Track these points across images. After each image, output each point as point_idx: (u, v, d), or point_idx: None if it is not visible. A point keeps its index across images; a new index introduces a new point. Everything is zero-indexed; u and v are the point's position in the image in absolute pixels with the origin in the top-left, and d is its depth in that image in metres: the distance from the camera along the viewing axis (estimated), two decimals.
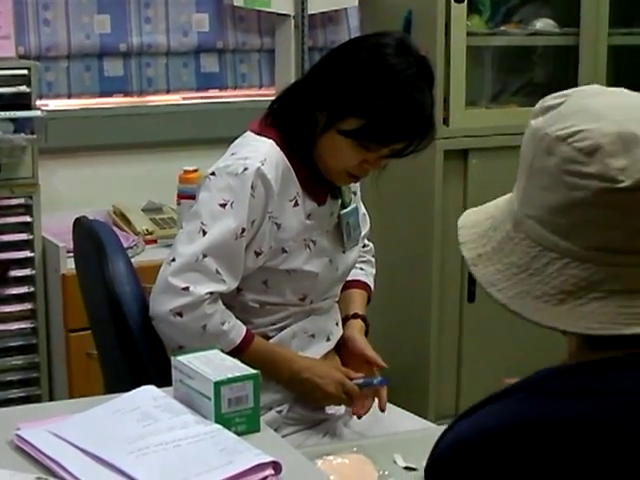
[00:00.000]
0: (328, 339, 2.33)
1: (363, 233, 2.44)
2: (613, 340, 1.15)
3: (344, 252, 2.33)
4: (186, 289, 2.10)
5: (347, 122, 2.11)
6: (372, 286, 2.53)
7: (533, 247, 1.20)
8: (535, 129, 1.22)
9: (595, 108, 1.19)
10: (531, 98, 3.98)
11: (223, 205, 2.11)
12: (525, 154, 1.25)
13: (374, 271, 2.56)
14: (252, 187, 2.11)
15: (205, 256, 2.10)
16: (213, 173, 2.15)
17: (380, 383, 2.26)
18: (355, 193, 2.40)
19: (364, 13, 3.94)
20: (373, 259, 2.56)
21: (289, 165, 2.18)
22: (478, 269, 1.27)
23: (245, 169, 2.11)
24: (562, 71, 4.01)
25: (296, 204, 2.20)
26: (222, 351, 1.95)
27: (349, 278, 2.44)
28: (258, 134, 2.21)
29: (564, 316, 1.16)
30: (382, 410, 2.26)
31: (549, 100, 1.23)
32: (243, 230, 2.11)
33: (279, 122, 2.20)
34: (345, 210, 2.32)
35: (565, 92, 1.23)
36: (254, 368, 1.83)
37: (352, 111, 2.10)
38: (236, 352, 2.09)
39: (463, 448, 1.16)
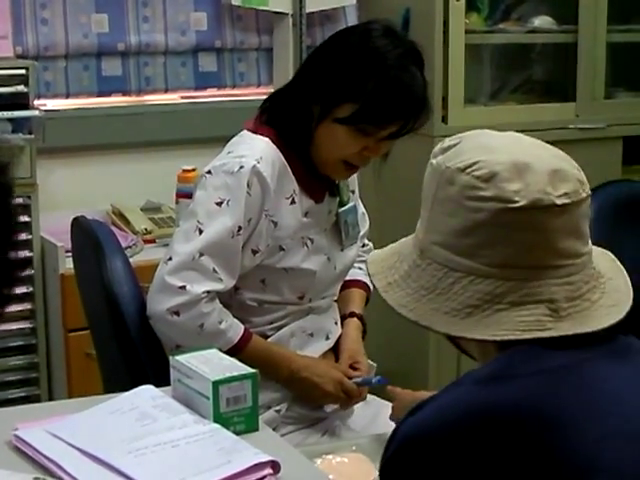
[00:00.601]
0: (327, 338, 2.33)
1: (362, 232, 2.43)
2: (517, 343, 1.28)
3: (342, 250, 2.32)
4: (183, 288, 2.09)
5: (342, 109, 2.11)
6: (371, 286, 2.51)
7: (439, 270, 1.33)
8: (436, 166, 1.36)
9: (489, 144, 1.35)
10: (530, 95, 3.98)
11: (219, 203, 2.11)
12: (428, 188, 1.37)
13: None
14: (248, 185, 2.11)
15: (202, 255, 2.10)
16: (209, 172, 2.15)
17: (379, 382, 2.25)
18: (354, 192, 2.40)
19: (362, 11, 3.94)
20: None
21: (285, 163, 2.18)
22: (389, 295, 1.38)
23: (241, 167, 2.11)
24: (561, 68, 4.01)
25: (293, 202, 2.19)
26: (220, 350, 1.95)
27: (348, 278, 2.44)
28: (254, 132, 2.20)
29: (472, 327, 1.29)
30: None
31: (446, 142, 1.38)
32: (240, 228, 2.11)
33: (273, 119, 2.20)
34: (343, 208, 2.31)
35: (459, 135, 1.39)
36: (252, 367, 1.83)
37: (345, 97, 2.11)
38: (234, 351, 2.09)
39: (408, 442, 1.26)
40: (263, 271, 2.19)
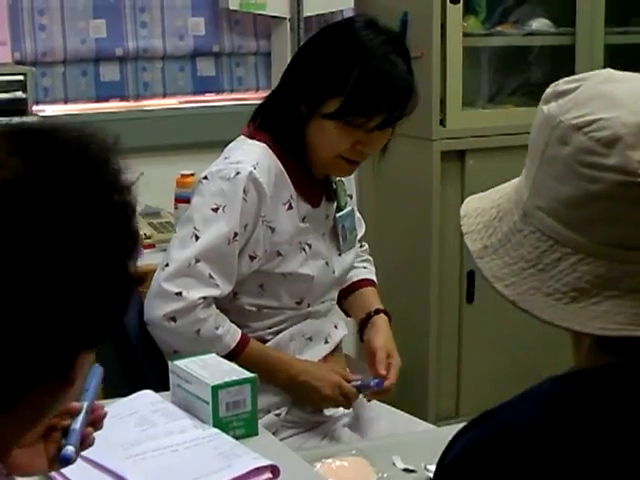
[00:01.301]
0: (326, 342, 2.32)
1: (359, 236, 2.43)
2: (625, 342, 1.09)
3: (340, 255, 2.32)
4: (179, 294, 2.10)
5: (328, 105, 2.11)
6: (376, 281, 2.53)
7: (544, 241, 1.12)
8: (548, 115, 1.14)
9: (613, 95, 1.11)
10: (528, 98, 3.97)
11: (215, 209, 2.11)
12: (536, 141, 1.15)
13: (374, 270, 2.55)
14: (244, 191, 2.11)
15: (198, 261, 2.10)
16: (206, 177, 2.15)
17: (377, 385, 2.25)
18: (351, 196, 2.40)
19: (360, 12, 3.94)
20: (370, 257, 2.56)
21: (282, 168, 2.18)
22: (484, 262, 1.17)
23: (237, 173, 2.11)
24: (559, 71, 4.00)
25: (290, 207, 2.19)
26: (218, 355, 1.96)
27: (355, 278, 2.44)
28: (251, 137, 2.21)
29: (577, 315, 1.09)
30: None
31: (562, 85, 1.16)
32: (235, 235, 2.11)
33: (267, 123, 2.21)
34: (341, 213, 2.31)
35: (579, 76, 1.16)
36: (251, 372, 1.83)
37: (330, 92, 2.11)
38: (232, 356, 2.09)
39: (475, 452, 1.11)
40: (261, 276, 2.19)
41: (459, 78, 3.63)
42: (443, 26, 3.57)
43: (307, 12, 3.79)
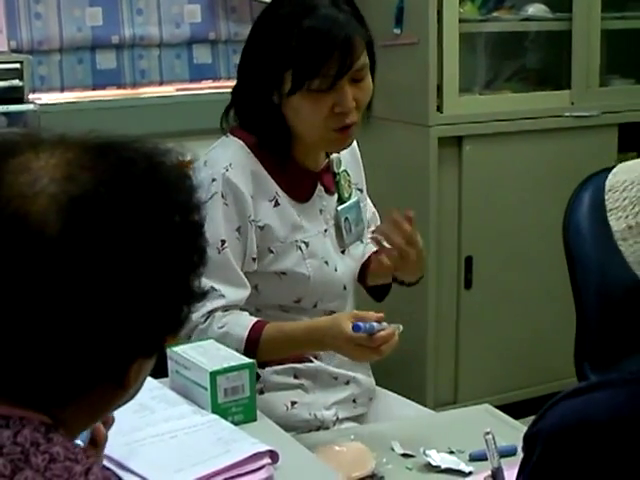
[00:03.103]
0: None
1: (372, 228, 2.34)
2: None
3: (344, 252, 2.25)
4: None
5: (286, 82, 2.05)
6: None
7: None
8: None
9: None
10: (525, 84, 3.98)
11: None
12: None
13: None
14: (223, 196, 2.07)
15: None
16: None
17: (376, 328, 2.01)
18: (361, 190, 2.34)
19: (356, 0, 3.93)
20: None
21: (260, 165, 2.12)
22: (627, 245, 1.05)
23: (213, 180, 2.07)
24: (555, 56, 4.00)
25: (277, 204, 2.13)
26: (238, 351, 1.93)
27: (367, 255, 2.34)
28: (230, 133, 2.16)
29: None
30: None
31: None
32: (223, 242, 2.07)
33: (245, 123, 2.15)
34: (343, 205, 2.25)
35: None
36: (277, 354, 1.81)
37: (280, 67, 2.05)
38: (251, 347, 2.03)
39: (562, 434, 1.08)
40: (255, 277, 2.13)
41: (456, 64, 3.62)
42: (439, 12, 3.56)
43: None
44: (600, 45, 3.89)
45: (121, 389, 1.09)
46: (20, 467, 0.96)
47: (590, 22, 3.86)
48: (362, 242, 2.31)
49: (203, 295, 1.14)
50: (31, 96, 3.25)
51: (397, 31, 3.68)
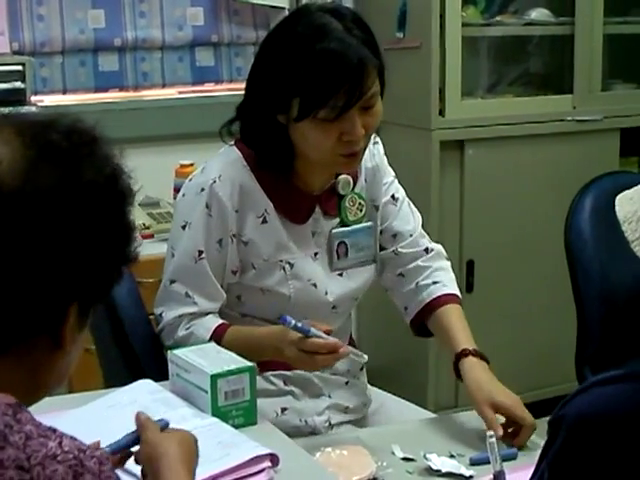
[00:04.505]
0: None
1: (415, 234, 2.26)
2: None
3: (341, 275, 2.18)
4: (160, 315, 2.12)
5: (294, 107, 1.98)
6: (454, 292, 2.26)
7: None
8: None
9: None
10: (527, 88, 3.98)
11: (183, 227, 2.08)
12: None
13: (451, 275, 2.30)
14: (207, 206, 2.05)
15: (173, 282, 2.09)
16: (183, 193, 2.12)
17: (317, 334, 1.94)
18: (377, 208, 2.22)
19: (359, 4, 3.94)
20: (444, 262, 2.30)
21: (254, 179, 2.08)
22: None
23: (202, 189, 2.06)
24: (558, 61, 4.01)
25: (264, 221, 2.08)
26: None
27: (428, 299, 2.23)
28: (235, 143, 2.13)
29: None
30: None
31: None
32: (200, 252, 2.06)
33: (244, 136, 2.11)
34: (339, 229, 2.17)
35: None
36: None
37: (289, 93, 1.98)
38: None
39: (588, 422, 1.07)
40: (238, 288, 2.12)
41: (458, 68, 3.63)
42: (442, 16, 3.57)
43: (306, 1, 3.78)
44: (602, 50, 3.90)
45: (58, 348, 1.14)
46: (1, 446, 1.03)
47: (593, 27, 3.86)
48: (367, 267, 2.22)
49: (127, 258, 1.21)
50: (33, 98, 3.26)
51: (400, 35, 3.69)
